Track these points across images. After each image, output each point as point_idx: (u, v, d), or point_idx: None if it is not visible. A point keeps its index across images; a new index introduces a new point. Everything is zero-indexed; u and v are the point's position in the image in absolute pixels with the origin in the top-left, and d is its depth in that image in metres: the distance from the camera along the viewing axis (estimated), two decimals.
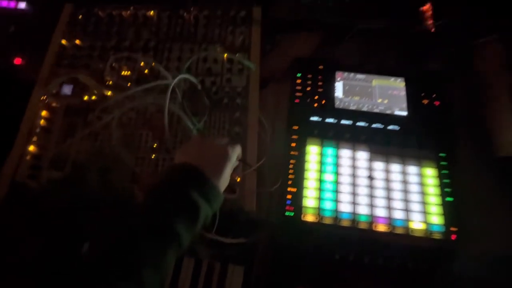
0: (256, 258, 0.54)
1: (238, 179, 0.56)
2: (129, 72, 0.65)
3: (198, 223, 0.38)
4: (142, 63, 0.65)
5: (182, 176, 0.41)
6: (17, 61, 0.72)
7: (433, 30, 0.69)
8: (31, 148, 0.59)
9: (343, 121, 0.63)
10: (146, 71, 0.65)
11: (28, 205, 0.56)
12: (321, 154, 0.61)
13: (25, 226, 0.55)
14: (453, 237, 0.54)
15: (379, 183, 0.58)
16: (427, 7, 0.71)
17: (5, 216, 0.56)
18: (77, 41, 0.68)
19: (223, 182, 0.44)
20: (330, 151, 0.62)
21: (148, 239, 0.34)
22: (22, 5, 0.77)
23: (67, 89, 0.64)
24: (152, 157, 0.58)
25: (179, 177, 0.41)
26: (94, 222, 0.54)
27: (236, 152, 0.48)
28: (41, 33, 0.73)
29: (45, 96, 0.62)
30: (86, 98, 0.63)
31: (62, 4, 0.74)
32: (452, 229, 0.55)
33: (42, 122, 0.60)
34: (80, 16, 0.71)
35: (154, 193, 0.40)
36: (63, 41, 0.69)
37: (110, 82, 0.63)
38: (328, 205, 0.57)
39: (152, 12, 0.71)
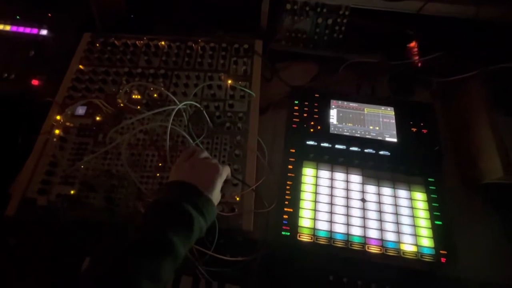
0: (252, 278, 0.55)
1: (237, 199, 0.59)
2: (139, 96, 0.70)
3: (192, 234, 0.41)
4: (152, 88, 0.70)
5: (176, 192, 0.44)
6: (34, 82, 0.77)
7: (419, 64, 0.76)
8: (44, 164, 0.62)
9: (337, 146, 0.67)
10: (155, 95, 0.70)
11: (36, 221, 0.59)
12: (316, 177, 0.65)
13: (33, 242, 0.57)
14: (443, 260, 0.56)
15: (371, 206, 0.61)
16: (413, 44, 0.78)
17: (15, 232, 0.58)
18: (93, 67, 0.74)
19: (216, 195, 0.48)
20: (325, 173, 0.65)
21: (145, 251, 0.36)
22: (44, 32, 0.84)
23: (81, 110, 0.68)
24: (157, 175, 0.61)
25: (174, 192, 0.44)
26: (97, 238, 0.56)
27: (226, 170, 0.52)
28: (59, 58, 0.79)
29: (61, 117, 0.66)
30: (98, 118, 0.67)
31: (81, 33, 0.81)
32: (442, 252, 0.57)
33: (56, 140, 0.64)
34: (98, 45, 0.77)
35: (150, 209, 0.43)
36: (80, 66, 0.75)
37: (122, 105, 0.68)
38: (322, 226, 0.59)
39: (163, 42, 0.78)
